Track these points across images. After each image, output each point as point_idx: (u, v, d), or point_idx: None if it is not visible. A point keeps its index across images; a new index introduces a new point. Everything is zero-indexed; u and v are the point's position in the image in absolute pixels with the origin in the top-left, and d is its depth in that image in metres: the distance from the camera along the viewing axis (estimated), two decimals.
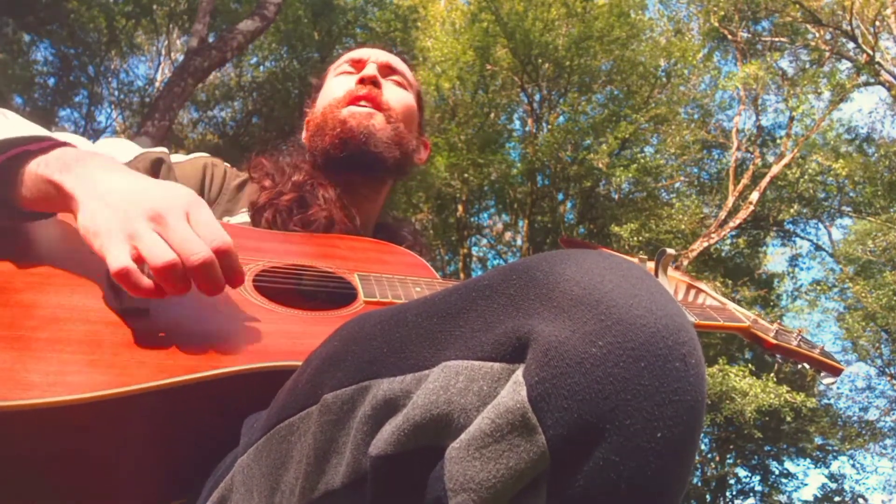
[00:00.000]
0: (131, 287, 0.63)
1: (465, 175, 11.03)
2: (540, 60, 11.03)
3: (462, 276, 11.68)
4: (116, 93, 12.28)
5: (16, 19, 9.37)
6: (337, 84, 1.18)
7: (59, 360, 0.61)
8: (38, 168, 0.71)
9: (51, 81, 11.24)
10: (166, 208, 0.66)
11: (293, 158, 1.17)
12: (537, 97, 11.89)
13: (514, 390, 0.39)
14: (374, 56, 1.20)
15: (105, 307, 0.69)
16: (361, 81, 1.13)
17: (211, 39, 7.38)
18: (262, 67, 11.91)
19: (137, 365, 0.63)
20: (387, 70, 1.19)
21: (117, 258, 0.63)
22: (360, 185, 1.16)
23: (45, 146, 0.74)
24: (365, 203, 1.17)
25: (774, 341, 1.04)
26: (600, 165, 10.80)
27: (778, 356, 1.07)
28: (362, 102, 1.11)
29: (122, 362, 0.63)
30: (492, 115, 11.97)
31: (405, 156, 1.15)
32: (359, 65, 1.19)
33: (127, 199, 0.66)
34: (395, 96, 1.17)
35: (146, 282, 0.64)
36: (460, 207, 12.46)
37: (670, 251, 1.01)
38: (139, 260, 0.63)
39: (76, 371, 0.60)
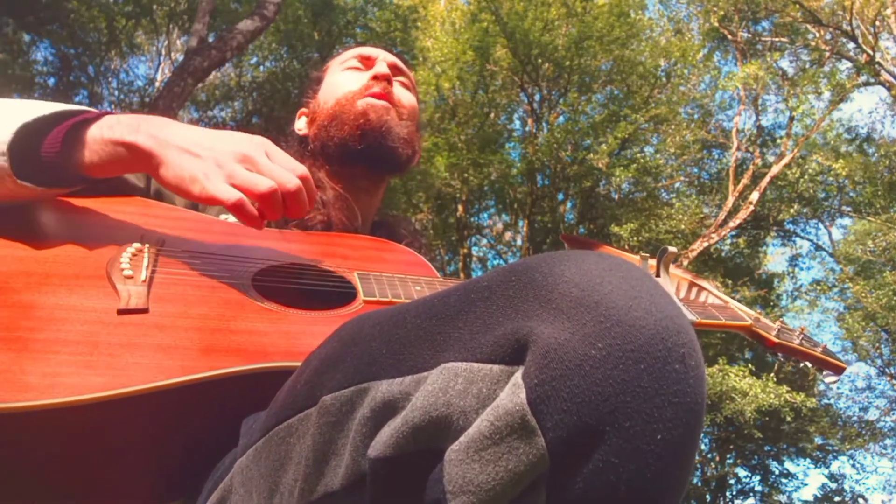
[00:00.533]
0: (246, 216, 0.72)
1: (465, 175, 11.03)
2: (540, 60, 11.03)
3: (462, 276, 11.68)
4: (116, 93, 12.27)
5: (16, 19, 9.36)
6: (347, 78, 1.18)
7: (57, 361, 0.61)
8: (103, 133, 0.76)
9: (51, 81, 11.23)
10: (249, 150, 0.75)
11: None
12: (537, 97, 11.89)
13: (513, 392, 0.39)
14: (384, 55, 1.20)
15: (103, 307, 0.69)
16: (376, 78, 1.14)
17: (211, 39, 7.38)
18: (262, 67, 11.91)
19: (134, 366, 0.62)
20: (395, 70, 1.20)
21: (229, 193, 0.71)
22: (362, 178, 1.16)
23: (98, 114, 0.79)
24: (364, 197, 1.17)
25: (776, 340, 1.04)
26: (600, 165, 10.80)
27: (780, 355, 1.07)
28: (377, 98, 1.13)
29: (119, 363, 0.62)
30: (492, 115, 11.97)
31: (414, 155, 1.17)
32: (368, 62, 1.19)
33: (210, 147, 0.74)
34: (405, 97, 1.18)
35: (255, 211, 0.73)
36: (460, 207, 12.46)
37: (672, 249, 1.01)
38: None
39: (73, 372, 0.60)
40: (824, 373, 1.08)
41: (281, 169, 0.75)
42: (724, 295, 1.07)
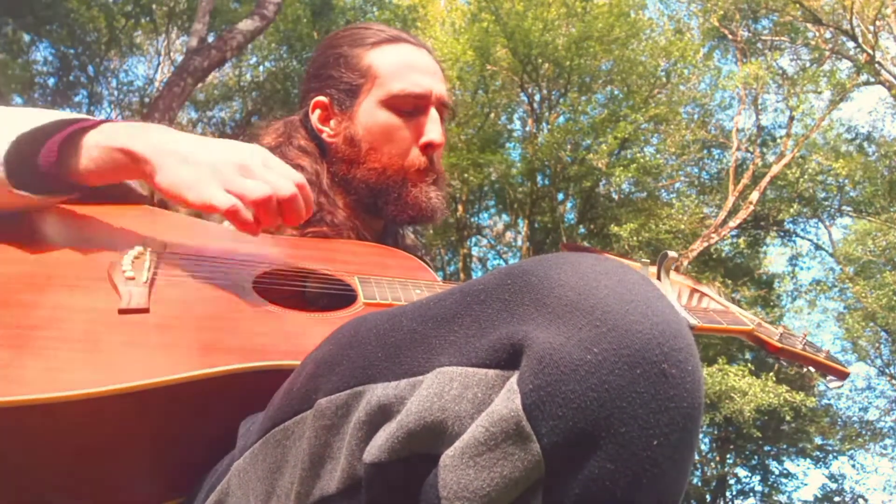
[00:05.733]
0: (240, 222, 0.72)
1: (465, 175, 11.04)
2: (540, 60, 11.03)
3: (462, 276, 11.70)
4: (116, 93, 12.29)
5: (16, 19, 9.37)
6: (397, 128, 1.05)
7: (57, 357, 0.61)
8: (100, 140, 0.76)
9: (51, 81, 11.25)
10: (245, 157, 0.75)
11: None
12: (537, 97, 11.90)
13: (508, 398, 0.39)
14: (436, 91, 1.07)
15: (104, 307, 0.69)
16: (430, 146, 1.06)
17: (210, 39, 7.38)
18: (261, 67, 11.92)
19: (134, 363, 0.63)
20: (441, 109, 1.09)
21: (223, 199, 0.71)
22: (380, 221, 1.13)
23: (95, 123, 0.78)
24: (376, 224, 1.14)
25: (779, 345, 1.03)
26: (600, 165, 10.81)
27: (783, 360, 1.06)
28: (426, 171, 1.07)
29: (119, 361, 0.63)
30: (492, 115, 11.98)
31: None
32: (420, 102, 1.06)
33: (207, 155, 0.74)
34: (441, 149, 1.10)
35: (251, 217, 0.73)
36: (460, 207, 12.47)
37: (672, 254, 1.00)
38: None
39: (73, 369, 0.60)
40: (828, 378, 1.07)
41: (277, 175, 0.75)
42: (725, 300, 1.07)
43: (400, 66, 1.07)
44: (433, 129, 1.06)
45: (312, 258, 0.93)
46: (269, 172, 0.75)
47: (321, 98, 1.10)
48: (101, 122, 0.79)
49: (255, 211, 0.73)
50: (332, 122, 1.10)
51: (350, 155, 1.07)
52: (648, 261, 1.01)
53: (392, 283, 0.90)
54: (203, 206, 0.72)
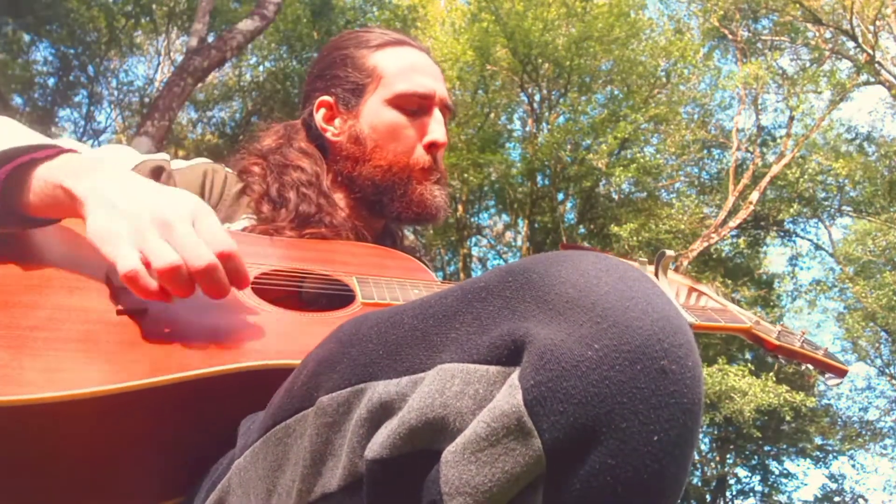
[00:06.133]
0: (139, 289, 0.65)
1: (465, 175, 11.04)
2: (540, 60, 11.04)
3: (462, 276, 11.71)
4: (116, 93, 12.30)
5: (16, 19, 9.38)
6: (403, 126, 1.08)
7: (56, 357, 0.61)
8: (47, 174, 0.72)
9: (51, 81, 11.26)
10: (173, 215, 0.68)
11: (294, 173, 1.07)
12: (537, 97, 11.91)
13: (509, 394, 0.39)
14: (439, 93, 1.10)
15: (103, 308, 0.70)
16: (434, 146, 1.08)
17: (210, 39, 7.38)
18: (261, 67, 11.93)
19: (134, 363, 0.63)
20: (444, 110, 1.12)
21: (126, 261, 0.65)
22: (382, 220, 1.15)
23: (51, 153, 0.75)
24: (376, 223, 1.15)
25: (777, 343, 1.04)
26: (600, 165, 10.82)
27: (781, 358, 1.07)
28: (430, 170, 1.09)
29: (118, 360, 0.63)
30: (492, 115, 11.99)
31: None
32: (427, 101, 1.09)
33: (135, 206, 0.68)
34: (443, 149, 1.12)
35: (153, 284, 0.66)
36: (460, 207, 12.47)
37: (669, 252, 1.00)
38: (147, 265, 0.66)
39: (73, 368, 0.60)
40: (826, 375, 1.08)
41: (196, 242, 0.66)
42: (723, 299, 1.07)
43: (405, 67, 1.10)
44: (437, 128, 1.08)
45: (311, 259, 0.93)
46: (188, 237, 0.67)
47: (326, 98, 1.12)
48: (60, 151, 0.75)
49: (159, 279, 0.66)
50: (336, 121, 1.12)
51: (355, 153, 1.09)
52: (646, 260, 1.02)
53: (390, 283, 0.90)
54: (111, 264, 0.67)
